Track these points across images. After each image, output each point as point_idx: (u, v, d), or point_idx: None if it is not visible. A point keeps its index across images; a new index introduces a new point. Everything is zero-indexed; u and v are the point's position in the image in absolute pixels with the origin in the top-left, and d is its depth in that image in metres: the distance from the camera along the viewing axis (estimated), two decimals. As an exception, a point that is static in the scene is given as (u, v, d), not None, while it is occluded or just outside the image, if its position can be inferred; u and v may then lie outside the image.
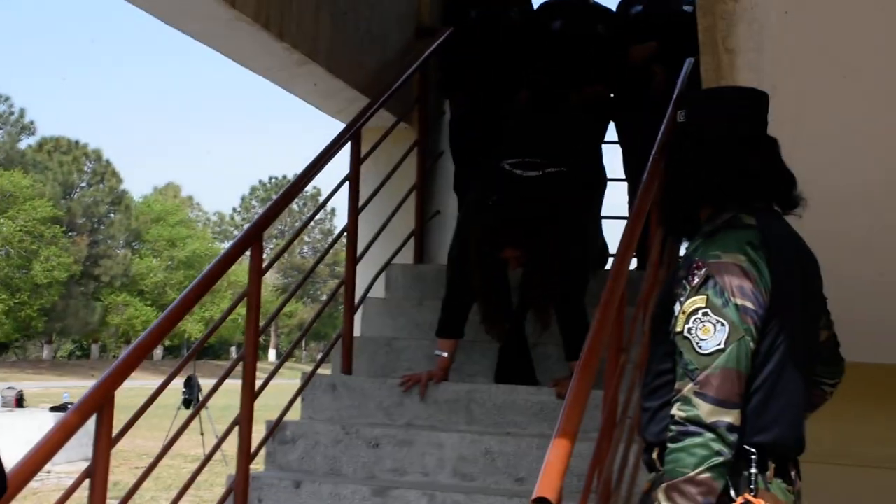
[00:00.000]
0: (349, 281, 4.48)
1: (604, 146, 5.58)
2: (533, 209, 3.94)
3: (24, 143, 46.35)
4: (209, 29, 4.40)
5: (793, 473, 2.25)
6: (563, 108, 4.67)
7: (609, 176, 5.41)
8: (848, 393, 2.78)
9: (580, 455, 3.44)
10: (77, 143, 48.25)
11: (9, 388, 15.59)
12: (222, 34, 4.44)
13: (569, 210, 4.03)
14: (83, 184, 48.16)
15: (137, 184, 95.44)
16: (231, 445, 4.02)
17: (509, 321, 4.23)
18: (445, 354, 4.18)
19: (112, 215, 48.54)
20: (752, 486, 2.16)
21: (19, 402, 14.74)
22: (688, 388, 2.12)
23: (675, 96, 4.01)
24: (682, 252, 2.47)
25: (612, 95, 5.44)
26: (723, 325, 2.13)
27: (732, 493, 2.14)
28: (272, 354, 51.19)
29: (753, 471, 2.17)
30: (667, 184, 2.51)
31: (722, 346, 2.12)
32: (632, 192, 5.20)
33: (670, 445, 2.13)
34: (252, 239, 3.83)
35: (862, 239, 3.50)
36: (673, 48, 5.00)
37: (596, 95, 5.29)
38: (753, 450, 2.17)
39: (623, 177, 5.43)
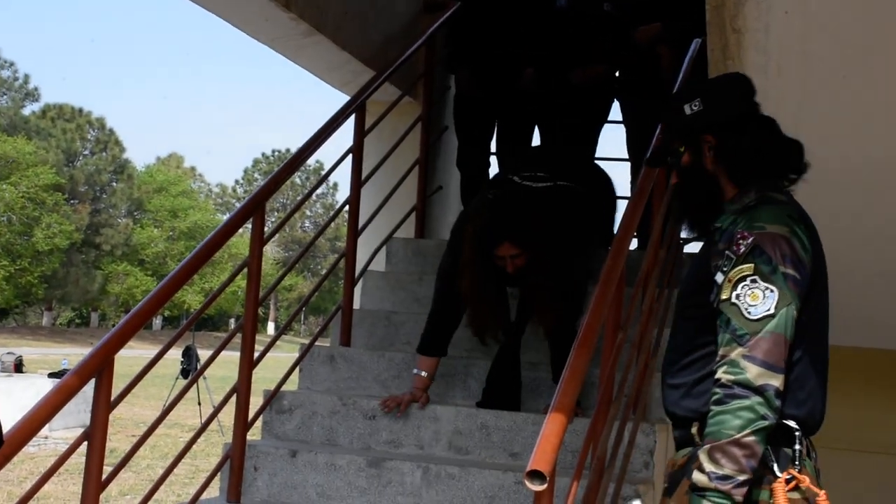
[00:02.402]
0: (350, 253, 4.49)
1: (609, 126, 5.59)
2: (537, 209, 3.74)
3: (28, 109, 46.27)
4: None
5: (813, 452, 2.27)
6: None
7: (614, 156, 5.43)
8: (842, 376, 2.80)
9: (575, 431, 3.47)
10: (80, 110, 48.12)
11: (8, 353, 15.61)
12: (229, 3, 4.44)
13: (576, 223, 3.84)
14: (86, 152, 48.05)
15: (140, 153, 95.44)
16: (228, 416, 4.05)
17: (504, 331, 3.97)
18: (424, 374, 3.91)
19: (114, 184, 48.45)
20: (796, 462, 2.18)
21: (18, 367, 14.77)
22: (736, 352, 2.15)
23: (676, 88, 4.00)
24: (684, 235, 2.51)
25: (616, 74, 5.43)
26: (772, 291, 2.17)
27: (776, 468, 2.17)
28: (271, 328, 51.26)
29: (798, 447, 2.19)
30: (689, 177, 2.50)
31: (772, 311, 2.16)
32: (634, 173, 5.19)
33: (715, 408, 2.15)
34: (254, 208, 3.84)
35: (859, 218, 3.50)
36: (679, 29, 4.98)
37: (597, 75, 5.28)
38: (796, 425, 2.20)
39: (626, 157, 5.43)
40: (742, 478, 2.10)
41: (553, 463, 2.35)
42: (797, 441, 2.19)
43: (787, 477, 2.15)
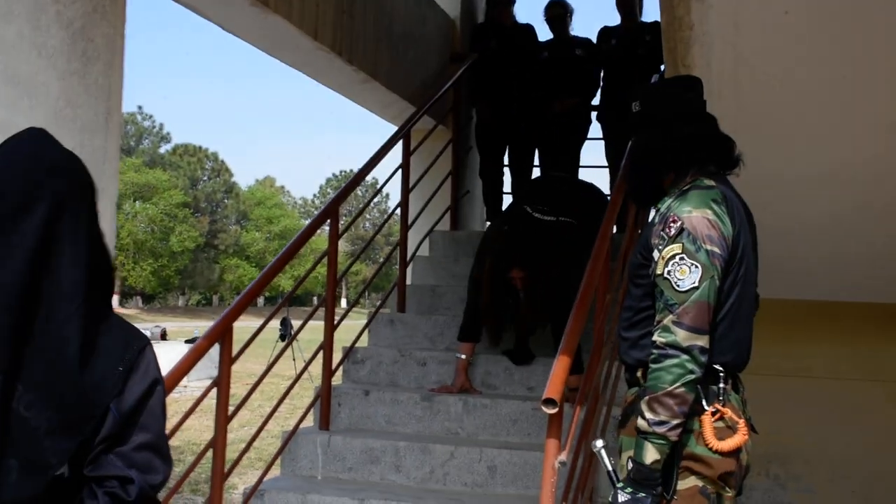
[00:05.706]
0: (402, 243, 4.48)
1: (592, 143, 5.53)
2: (539, 238, 3.68)
3: (163, 148, 46.79)
4: (298, 57, 4.40)
5: (740, 386, 2.13)
6: (585, 184, 4.27)
7: (595, 163, 5.36)
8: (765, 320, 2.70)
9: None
10: (200, 147, 48.51)
11: (156, 326, 15.85)
12: (307, 61, 4.43)
13: (572, 247, 3.71)
14: (205, 178, 48.42)
15: (244, 176, 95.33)
16: (315, 368, 4.04)
17: (515, 330, 3.87)
18: (464, 356, 3.79)
19: (226, 201, 48.82)
20: (720, 398, 2.03)
21: (163, 336, 14.96)
22: (668, 319, 1.98)
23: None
24: (652, 214, 2.35)
25: (592, 103, 5.40)
26: (696, 266, 1.98)
27: (704, 403, 2.02)
28: (343, 303, 51.38)
29: (722, 385, 2.03)
30: (633, 163, 2.30)
31: (696, 284, 1.97)
32: (613, 175, 5.16)
33: (652, 366, 1.99)
34: (331, 212, 3.83)
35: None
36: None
37: (573, 105, 5.25)
38: (721, 368, 2.04)
39: (605, 164, 5.38)
40: (675, 422, 1.95)
41: (562, 392, 2.33)
42: (721, 380, 2.03)
43: (713, 410, 2.00)
